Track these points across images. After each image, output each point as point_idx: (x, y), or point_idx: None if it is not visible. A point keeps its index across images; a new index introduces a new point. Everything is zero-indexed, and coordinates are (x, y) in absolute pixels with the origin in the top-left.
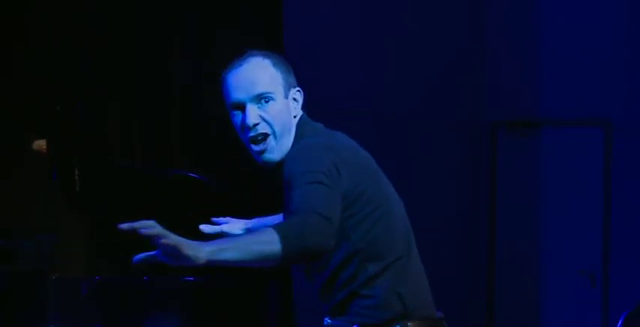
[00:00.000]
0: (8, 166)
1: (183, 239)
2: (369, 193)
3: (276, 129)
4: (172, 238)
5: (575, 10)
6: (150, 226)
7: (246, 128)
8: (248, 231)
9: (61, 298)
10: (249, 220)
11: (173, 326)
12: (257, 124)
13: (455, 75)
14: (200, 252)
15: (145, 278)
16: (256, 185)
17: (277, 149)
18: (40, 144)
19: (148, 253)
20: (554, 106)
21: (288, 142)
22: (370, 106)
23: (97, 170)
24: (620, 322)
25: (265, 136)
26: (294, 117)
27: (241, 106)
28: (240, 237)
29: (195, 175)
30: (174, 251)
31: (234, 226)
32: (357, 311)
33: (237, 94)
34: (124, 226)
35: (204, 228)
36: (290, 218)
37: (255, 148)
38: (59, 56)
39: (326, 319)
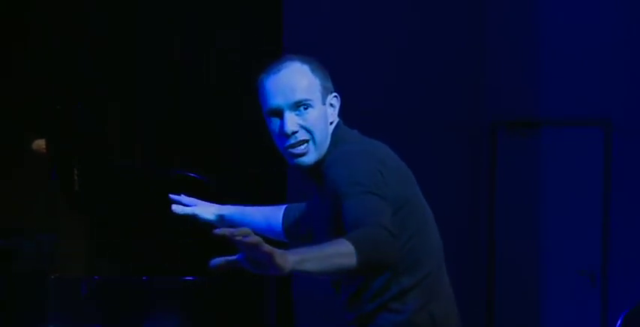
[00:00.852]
0: (8, 166)
1: (274, 248)
2: (411, 204)
3: (316, 136)
4: (268, 247)
5: (575, 10)
6: (247, 234)
7: (284, 136)
8: (221, 218)
9: (60, 298)
10: (222, 206)
11: (172, 326)
12: (296, 132)
13: (455, 75)
14: (287, 262)
15: (144, 278)
16: (256, 185)
17: (315, 154)
18: (40, 144)
19: (227, 258)
20: (554, 106)
21: (325, 148)
22: (370, 106)
23: (97, 170)
24: (619, 322)
25: (305, 141)
26: (331, 123)
27: (279, 113)
28: (319, 248)
29: (195, 175)
30: (266, 259)
31: (205, 209)
32: (385, 325)
33: (276, 100)
34: (220, 231)
35: (176, 208)
36: (359, 231)
37: (294, 151)
38: (59, 56)
39: None
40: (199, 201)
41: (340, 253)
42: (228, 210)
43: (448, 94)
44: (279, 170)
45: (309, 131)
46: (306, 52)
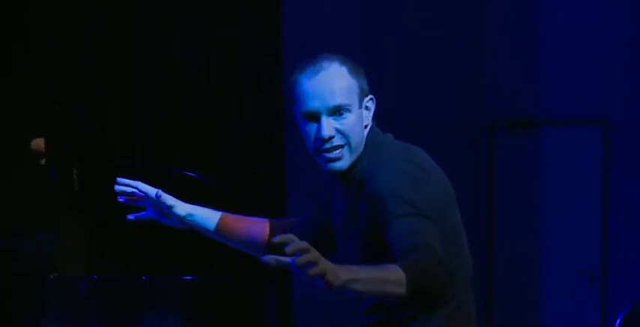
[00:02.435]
0: (8, 166)
1: (328, 264)
2: (450, 219)
3: (352, 142)
4: (321, 265)
5: (575, 10)
6: (304, 250)
7: (319, 140)
8: (192, 217)
9: (60, 297)
10: (195, 206)
11: (172, 326)
12: (332, 136)
13: (454, 75)
14: (337, 279)
15: (144, 278)
16: (256, 185)
17: (349, 159)
18: (39, 143)
19: (279, 258)
20: (553, 105)
21: (359, 152)
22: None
23: (97, 170)
24: (618, 322)
25: (340, 147)
26: (365, 126)
27: (316, 116)
28: (372, 270)
29: (195, 175)
30: (318, 276)
31: (178, 203)
32: None
33: (314, 103)
34: (279, 239)
35: (161, 195)
36: (413, 260)
37: (328, 155)
38: (59, 56)
39: None
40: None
41: (392, 280)
42: (201, 211)
43: (447, 94)
44: (279, 170)
45: (345, 136)
46: (306, 52)
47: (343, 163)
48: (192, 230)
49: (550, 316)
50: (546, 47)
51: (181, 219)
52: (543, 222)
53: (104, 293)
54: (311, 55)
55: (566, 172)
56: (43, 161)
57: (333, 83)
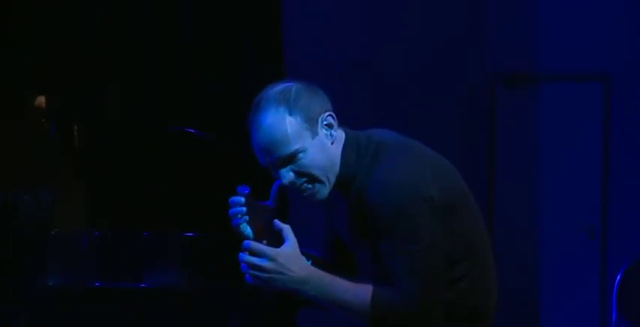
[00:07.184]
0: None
1: (278, 280)
2: (467, 203)
3: (316, 175)
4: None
5: None
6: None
7: (286, 186)
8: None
9: (60, 253)
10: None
11: (173, 282)
12: (294, 181)
13: (454, 29)
14: (298, 288)
15: (145, 233)
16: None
17: (324, 188)
18: (40, 100)
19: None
20: (553, 61)
21: (333, 174)
22: (368, 60)
23: (97, 126)
24: (618, 278)
25: (305, 185)
26: (332, 143)
27: (273, 167)
28: (339, 289)
29: (193, 131)
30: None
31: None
32: None
33: (265, 158)
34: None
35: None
36: (396, 297)
37: (303, 194)
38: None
39: None
40: None
41: (353, 308)
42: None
43: (448, 49)
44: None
45: (306, 175)
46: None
47: (320, 195)
48: None
49: (549, 269)
50: (547, 2)
51: None
52: (544, 177)
53: (105, 249)
54: (255, 99)
55: (567, 128)
56: (43, 118)
57: (275, 136)
